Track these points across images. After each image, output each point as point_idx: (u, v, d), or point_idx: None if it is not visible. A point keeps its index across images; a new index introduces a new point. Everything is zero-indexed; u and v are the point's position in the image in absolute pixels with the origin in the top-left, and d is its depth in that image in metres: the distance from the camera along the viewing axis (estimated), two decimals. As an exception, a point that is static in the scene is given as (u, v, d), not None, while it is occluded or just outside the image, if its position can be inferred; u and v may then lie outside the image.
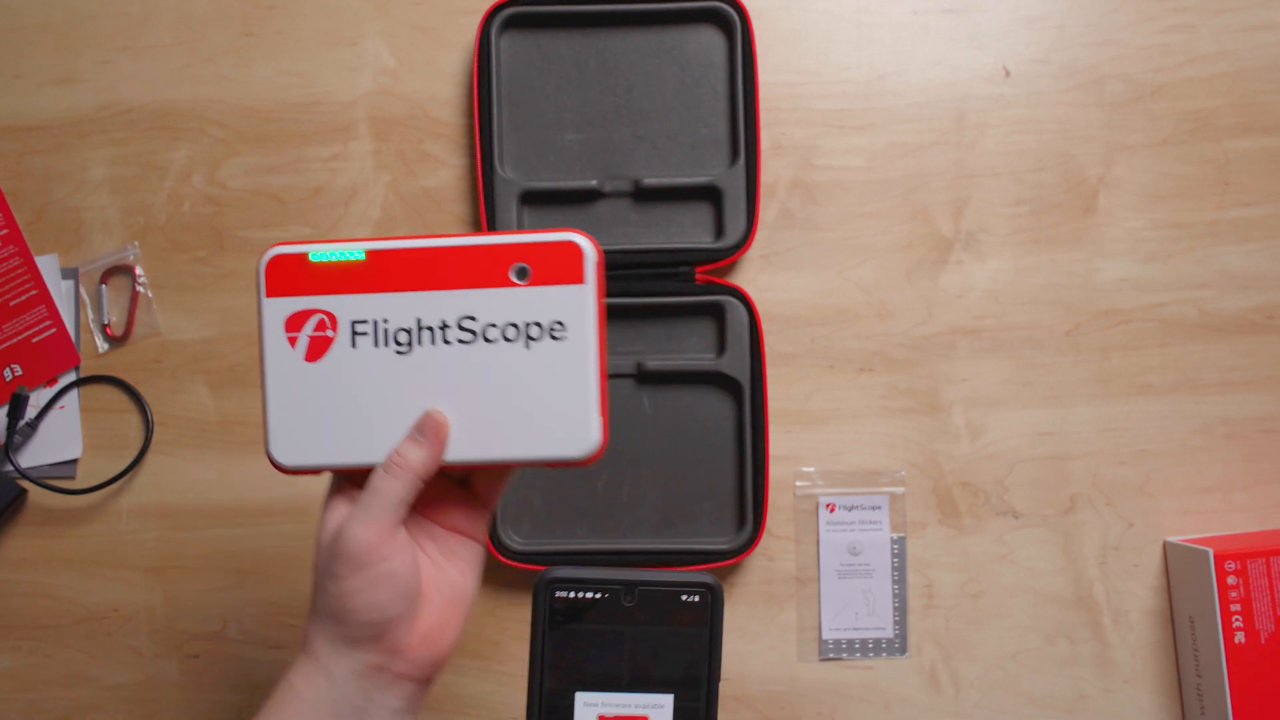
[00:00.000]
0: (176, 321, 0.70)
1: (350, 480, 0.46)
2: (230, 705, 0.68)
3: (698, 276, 0.68)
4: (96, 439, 0.70)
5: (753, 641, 0.68)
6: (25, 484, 0.69)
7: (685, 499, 0.67)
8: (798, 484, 0.68)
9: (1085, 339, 0.68)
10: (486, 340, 0.45)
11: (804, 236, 0.69)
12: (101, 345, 0.70)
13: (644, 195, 0.68)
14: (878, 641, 0.67)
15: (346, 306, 0.46)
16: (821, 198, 0.69)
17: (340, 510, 0.45)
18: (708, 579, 0.45)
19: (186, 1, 0.71)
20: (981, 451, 0.68)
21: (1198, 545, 0.64)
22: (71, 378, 0.70)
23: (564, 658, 0.45)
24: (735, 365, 0.66)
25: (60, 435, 0.69)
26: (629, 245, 0.68)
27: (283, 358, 0.46)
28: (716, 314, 0.67)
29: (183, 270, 0.70)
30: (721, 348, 0.67)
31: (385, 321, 0.46)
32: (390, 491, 0.43)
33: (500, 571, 0.68)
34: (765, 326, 0.68)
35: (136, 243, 0.70)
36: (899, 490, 0.68)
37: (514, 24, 0.68)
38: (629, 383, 0.68)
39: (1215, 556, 0.62)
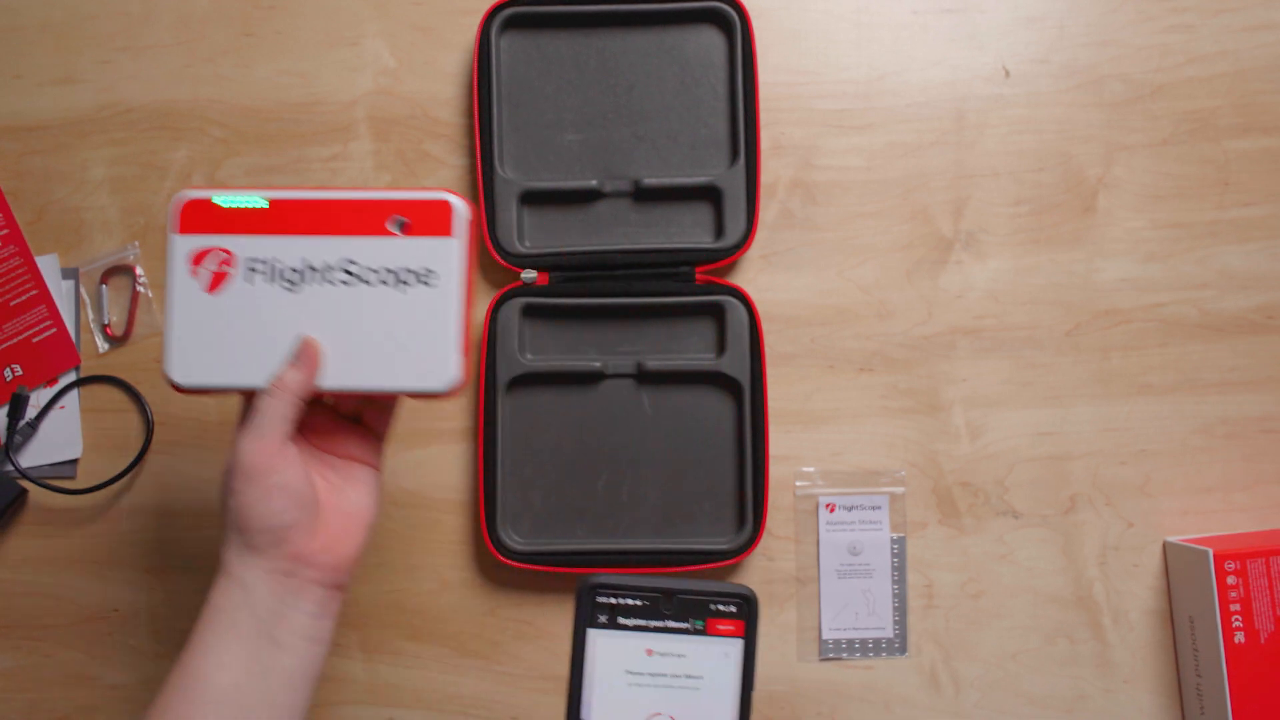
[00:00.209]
0: (177, 321, 0.70)
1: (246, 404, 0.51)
2: (230, 705, 0.68)
3: (698, 276, 0.68)
4: (97, 439, 0.70)
5: (753, 641, 0.68)
6: (26, 484, 0.69)
7: (685, 499, 0.67)
8: (798, 484, 0.68)
9: (1085, 339, 0.68)
10: (365, 282, 0.51)
11: (804, 236, 0.69)
12: (102, 345, 0.70)
13: (644, 195, 0.68)
14: (877, 641, 0.67)
15: (245, 246, 0.52)
16: (821, 198, 0.69)
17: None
18: (745, 590, 0.47)
19: (186, 2, 0.71)
20: (981, 451, 0.68)
21: (1197, 545, 0.64)
22: (72, 378, 0.70)
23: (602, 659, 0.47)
24: (735, 365, 0.67)
25: (60, 435, 0.69)
26: (629, 245, 0.68)
27: (185, 288, 0.52)
28: (716, 314, 0.67)
29: (183, 270, 0.70)
30: (721, 348, 0.67)
31: (278, 261, 0.51)
32: (273, 410, 0.49)
33: (500, 571, 0.68)
34: (765, 326, 0.68)
35: (137, 243, 0.70)
36: (899, 490, 0.68)
37: (514, 24, 0.68)
38: (629, 383, 0.68)
39: (1215, 556, 0.62)
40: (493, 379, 0.67)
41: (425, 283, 0.51)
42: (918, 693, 0.67)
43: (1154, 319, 0.68)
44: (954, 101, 0.70)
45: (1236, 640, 0.62)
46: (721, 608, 0.47)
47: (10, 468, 0.69)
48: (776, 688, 0.68)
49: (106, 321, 0.70)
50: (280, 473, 0.48)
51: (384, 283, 0.51)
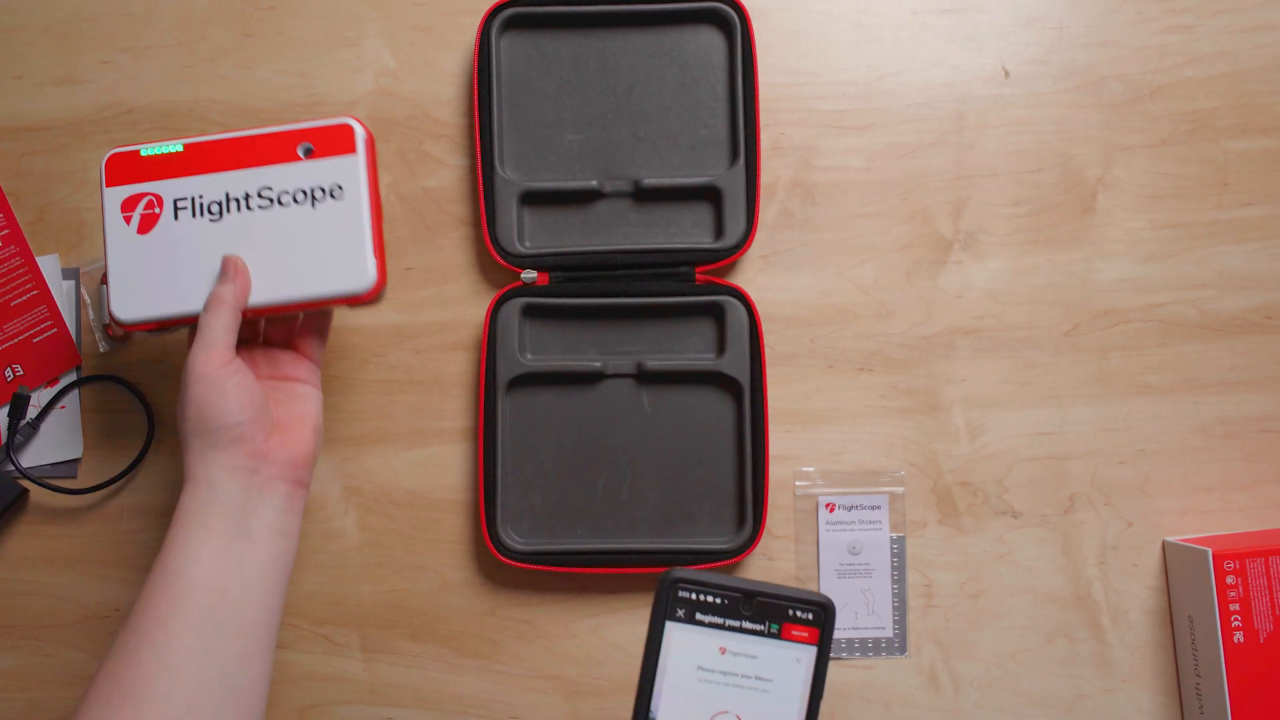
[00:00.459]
0: (177, 321, 0.70)
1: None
2: (231, 704, 0.69)
3: (698, 276, 0.68)
4: (97, 439, 0.70)
5: (752, 641, 0.68)
6: (27, 484, 0.69)
7: (685, 499, 0.67)
8: (797, 484, 0.68)
9: (1084, 339, 0.69)
10: (281, 204, 0.57)
11: (804, 237, 0.70)
12: (102, 345, 0.70)
13: (644, 195, 0.68)
14: (877, 641, 0.67)
15: (170, 188, 0.57)
16: (821, 198, 0.70)
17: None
18: (823, 599, 0.47)
19: (187, 2, 0.71)
20: (981, 451, 0.68)
21: (1196, 545, 0.64)
22: (73, 377, 0.70)
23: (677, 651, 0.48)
24: (735, 365, 0.67)
25: (61, 435, 0.70)
26: (629, 245, 0.68)
27: (120, 234, 0.57)
28: (716, 314, 0.68)
29: (183, 270, 0.70)
30: (721, 348, 0.67)
31: (200, 197, 0.57)
32: (214, 323, 0.54)
33: (500, 571, 0.68)
34: (765, 326, 0.68)
35: (137, 243, 0.70)
36: (898, 490, 0.68)
37: (514, 24, 0.69)
38: (629, 382, 0.68)
39: (1214, 556, 0.62)
40: (493, 379, 0.67)
41: (334, 197, 0.56)
42: (917, 692, 0.67)
43: (1153, 319, 0.69)
44: (953, 102, 0.70)
45: (1235, 640, 0.62)
46: (799, 614, 0.47)
47: (11, 467, 0.69)
48: (776, 687, 0.68)
49: (107, 321, 0.70)
50: (231, 376, 0.53)
51: (297, 202, 0.57)
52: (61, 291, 0.70)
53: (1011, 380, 0.69)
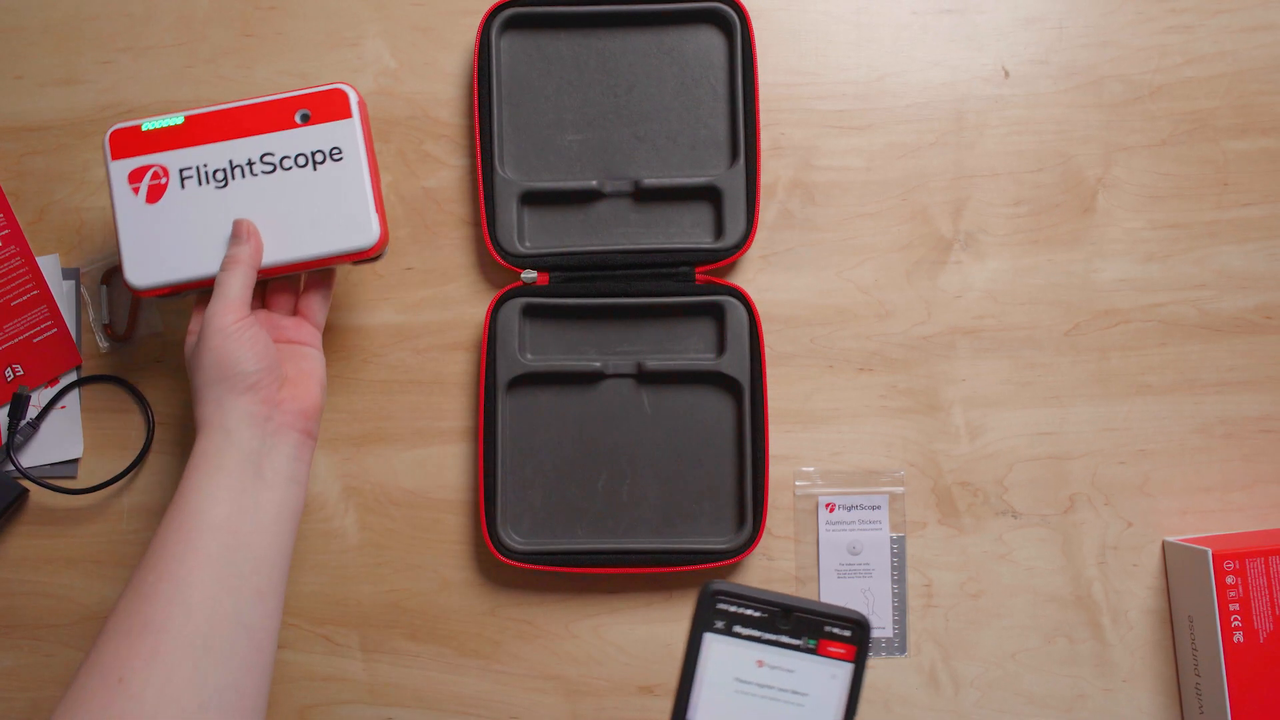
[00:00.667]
0: (177, 321, 0.70)
1: (200, 302, 0.60)
2: (231, 704, 0.68)
3: (698, 276, 0.68)
4: (98, 439, 0.70)
5: (752, 641, 0.68)
6: (27, 484, 0.69)
7: (685, 499, 0.67)
8: (797, 484, 0.68)
9: (1084, 339, 0.69)
10: (283, 169, 0.59)
11: (804, 237, 0.70)
12: (103, 345, 0.70)
13: (644, 195, 0.68)
14: (877, 641, 0.67)
15: (174, 159, 0.60)
16: (821, 198, 0.70)
17: (196, 318, 0.59)
18: (860, 617, 0.48)
19: (187, 2, 0.71)
20: (981, 451, 0.68)
21: (1196, 545, 0.64)
22: (73, 377, 0.70)
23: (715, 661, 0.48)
24: (735, 365, 0.67)
25: (61, 435, 0.70)
26: (629, 245, 0.68)
27: (129, 204, 0.60)
28: (716, 314, 0.68)
29: (184, 270, 0.70)
30: (721, 348, 0.67)
31: (205, 165, 0.60)
32: (232, 282, 0.57)
33: (500, 571, 0.68)
34: (765, 326, 0.68)
35: (137, 243, 0.71)
36: (898, 490, 0.68)
37: (514, 24, 0.69)
38: (629, 383, 0.68)
39: (1214, 556, 0.62)
40: (493, 379, 0.67)
41: (334, 159, 0.59)
42: (917, 692, 0.67)
43: (1153, 319, 0.69)
44: (953, 102, 0.70)
45: (1235, 640, 0.62)
46: (836, 630, 0.48)
47: (11, 467, 0.69)
48: (776, 687, 0.68)
49: (107, 321, 0.70)
50: (248, 329, 0.56)
51: (299, 166, 0.59)
52: (61, 291, 0.70)
53: (1011, 380, 0.69)
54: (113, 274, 0.70)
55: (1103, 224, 0.69)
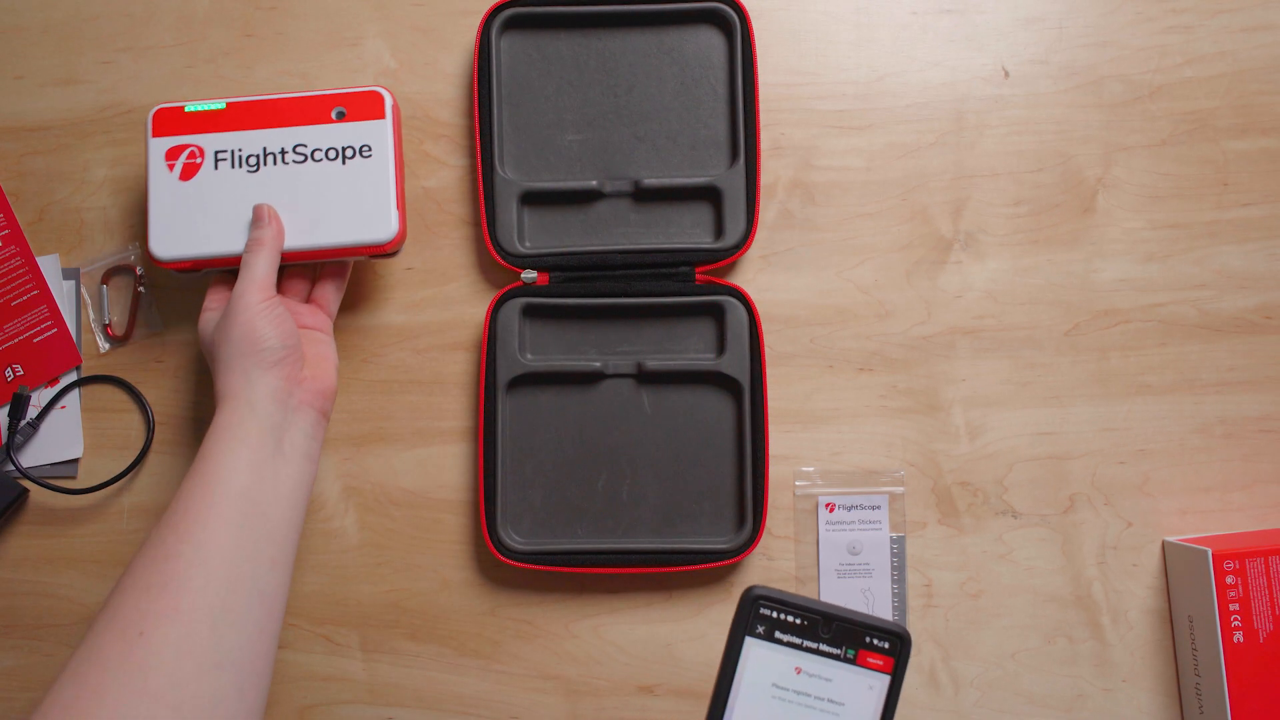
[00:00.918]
0: (178, 321, 0.70)
1: (218, 281, 0.63)
2: (231, 704, 0.68)
3: (698, 276, 0.68)
4: (98, 439, 0.70)
5: (752, 641, 0.68)
6: (27, 483, 0.69)
7: (685, 499, 0.67)
8: (797, 484, 0.68)
9: (1084, 339, 0.69)
10: (314, 160, 0.63)
11: (804, 237, 0.70)
12: (103, 345, 0.70)
13: (644, 195, 0.68)
14: (877, 641, 0.67)
15: (212, 141, 0.63)
16: (821, 198, 0.70)
17: (213, 293, 0.62)
18: (901, 630, 0.48)
19: (188, 3, 0.71)
20: (981, 451, 0.68)
21: (1196, 545, 0.64)
22: (73, 377, 0.70)
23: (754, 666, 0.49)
24: (735, 365, 0.67)
25: (61, 435, 0.70)
26: (629, 245, 0.68)
27: (162, 179, 0.63)
28: (716, 314, 0.68)
29: (184, 270, 0.71)
30: (721, 348, 0.67)
31: (240, 150, 0.63)
32: (258, 261, 0.60)
33: (500, 571, 0.68)
34: (765, 326, 0.68)
35: (137, 243, 0.71)
36: (898, 490, 0.68)
37: (514, 24, 0.69)
38: (629, 383, 0.68)
39: (1214, 556, 0.62)
40: (493, 379, 0.67)
41: (364, 155, 0.63)
42: (917, 692, 0.67)
43: (1153, 319, 0.69)
44: (953, 102, 0.70)
45: (1235, 640, 0.62)
46: (875, 641, 0.48)
47: (11, 467, 0.69)
48: (776, 687, 0.68)
49: (107, 321, 0.70)
50: (276, 307, 0.59)
51: (329, 159, 0.63)
52: (61, 291, 0.70)
53: (1011, 380, 0.69)
54: (113, 274, 0.70)
55: (1103, 224, 0.69)
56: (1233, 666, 0.62)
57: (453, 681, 0.68)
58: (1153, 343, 0.68)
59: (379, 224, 0.62)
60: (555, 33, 0.69)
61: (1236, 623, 0.62)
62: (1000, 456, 0.68)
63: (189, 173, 0.63)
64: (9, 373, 0.70)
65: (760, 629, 0.48)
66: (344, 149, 0.63)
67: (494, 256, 0.68)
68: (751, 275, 0.69)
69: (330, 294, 0.65)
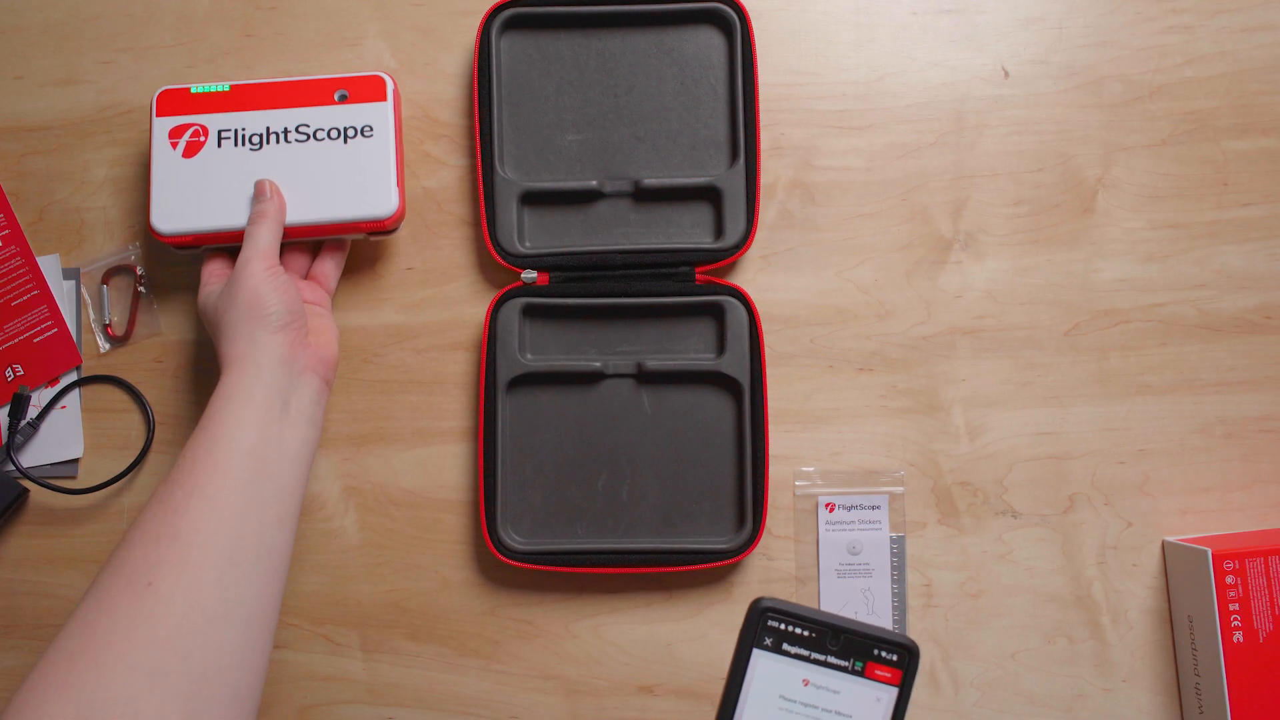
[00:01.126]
0: (178, 321, 0.70)
1: (213, 256, 0.65)
2: (231, 704, 0.68)
3: (698, 276, 0.68)
4: (98, 439, 0.70)
5: (752, 641, 0.68)
6: (27, 483, 0.69)
7: (685, 499, 0.67)
8: (797, 484, 0.68)
9: (1084, 339, 0.69)
10: (316, 140, 0.64)
11: (804, 237, 0.70)
12: (103, 345, 0.70)
13: (644, 195, 0.68)
14: (877, 641, 0.67)
15: (215, 121, 0.65)
16: (821, 198, 0.70)
17: (211, 267, 0.64)
18: (909, 642, 0.49)
19: (188, 3, 0.71)
20: (980, 451, 0.68)
21: (1196, 545, 0.64)
22: (73, 377, 0.70)
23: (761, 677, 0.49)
24: (735, 365, 0.67)
25: (62, 435, 0.70)
26: (629, 245, 0.68)
27: (166, 156, 0.64)
28: (716, 314, 0.68)
29: (184, 270, 0.70)
30: (721, 348, 0.67)
31: (243, 129, 0.65)
32: (262, 233, 0.62)
33: (500, 571, 0.68)
34: (765, 326, 0.68)
35: (138, 243, 0.71)
36: (898, 490, 0.68)
37: (514, 24, 0.69)
38: (629, 382, 0.68)
39: (1214, 556, 0.62)
40: (493, 379, 0.67)
41: (365, 135, 0.64)
42: (917, 692, 0.67)
43: (1153, 319, 0.69)
44: (953, 102, 0.70)
45: (1235, 640, 0.62)
46: (884, 654, 0.48)
47: (11, 467, 0.69)
48: (776, 687, 0.68)
49: (107, 321, 0.70)
50: (281, 275, 0.60)
51: (331, 138, 0.64)
52: (61, 291, 0.70)
53: (1011, 380, 0.69)
54: (113, 274, 0.70)
55: (1102, 224, 0.69)
56: (1233, 666, 0.62)
57: (453, 681, 0.68)
58: (1153, 343, 0.68)
59: (380, 200, 0.64)
60: (555, 33, 0.69)
61: (1236, 623, 0.62)
62: (1000, 456, 0.68)
63: (192, 150, 0.64)
64: (9, 373, 0.70)
65: (768, 641, 0.48)
66: (346, 129, 0.64)
67: (494, 256, 0.68)
68: (751, 275, 0.69)
69: (330, 270, 0.66)
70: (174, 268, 0.71)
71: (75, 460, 0.70)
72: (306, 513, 0.69)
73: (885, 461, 0.68)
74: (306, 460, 0.58)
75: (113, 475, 0.69)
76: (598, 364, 0.67)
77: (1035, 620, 0.67)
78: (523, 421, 0.68)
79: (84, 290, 0.71)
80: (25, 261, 0.70)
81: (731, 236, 0.67)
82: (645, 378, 0.68)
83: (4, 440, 0.69)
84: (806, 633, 0.48)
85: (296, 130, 0.64)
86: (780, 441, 0.68)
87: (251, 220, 0.62)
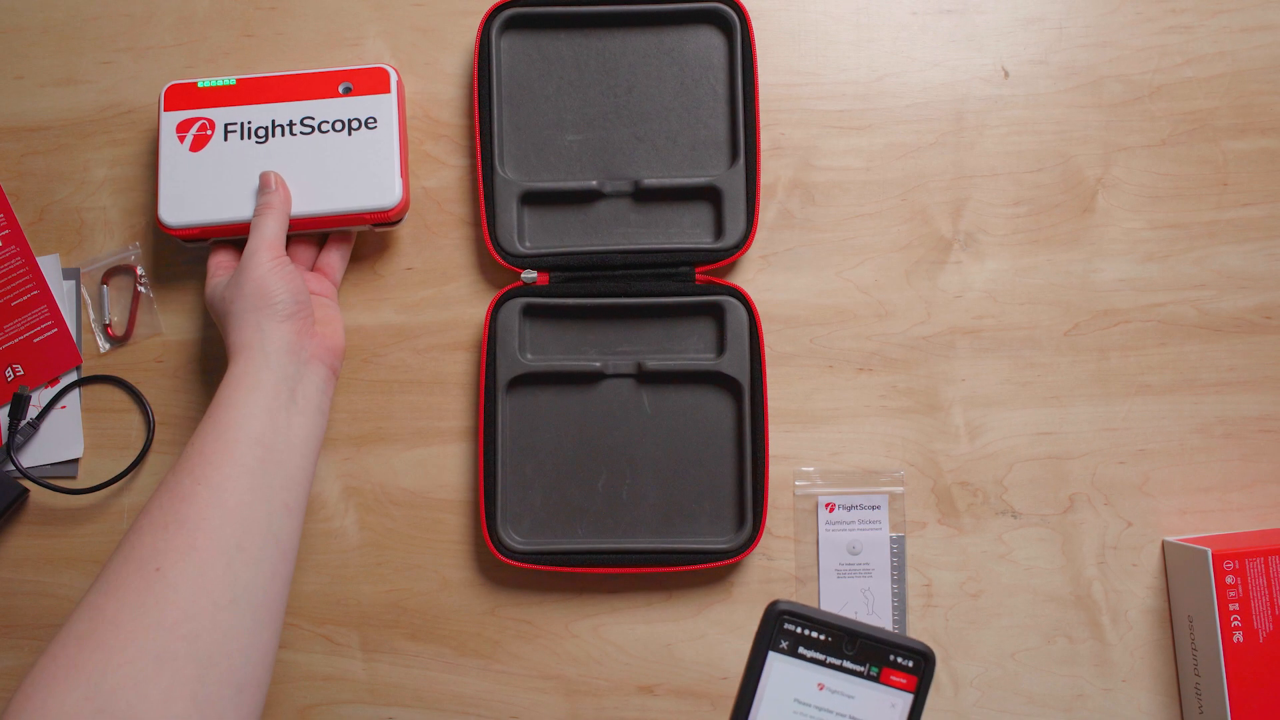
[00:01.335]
0: (178, 321, 0.70)
1: (219, 248, 0.65)
2: (231, 704, 0.68)
3: (698, 276, 0.68)
4: (98, 439, 0.70)
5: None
6: (27, 483, 0.69)
7: (685, 499, 0.67)
8: (797, 484, 0.68)
9: (1084, 339, 0.69)
10: (321, 132, 0.65)
11: (803, 237, 0.70)
12: (103, 345, 0.70)
13: (644, 195, 0.68)
14: (877, 641, 0.67)
15: (222, 114, 0.66)
16: (821, 198, 0.70)
17: (218, 258, 0.65)
18: (925, 649, 0.48)
19: (188, 3, 0.71)
20: (980, 451, 0.68)
21: (1196, 545, 0.64)
22: (73, 377, 0.70)
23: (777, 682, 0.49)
24: (735, 365, 0.67)
25: (62, 435, 0.70)
26: (629, 245, 0.68)
27: (173, 150, 0.65)
28: (716, 314, 0.68)
29: (184, 270, 0.71)
30: (721, 348, 0.67)
31: (249, 123, 0.66)
32: (268, 223, 0.62)
33: (500, 571, 0.68)
34: (765, 326, 0.68)
35: (138, 243, 0.71)
36: (898, 490, 0.68)
37: (514, 24, 0.69)
38: (629, 382, 0.68)
39: (1214, 556, 0.62)
40: (493, 379, 0.67)
41: (369, 127, 0.65)
42: (917, 692, 0.67)
43: (1152, 319, 0.69)
44: (953, 102, 0.70)
45: (1235, 640, 0.62)
46: (899, 660, 0.48)
47: (11, 467, 0.69)
48: (776, 687, 0.68)
49: (108, 321, 0.70)
50: (287, 265, 0.61)
51: (336, 130, 0.65)
52: (61, 291, 0.70)
53: (1011, 380, 0.69)
54: (113, 274, 0.70)
55: (1102, 224, 0.69)
56: (1233, 666, 0.62)
57: (453, 681, 0.68)
58: (1153, 343, 0.69)
59: (383, 191, 0.64)
60: (555, 33, 0.69)
61: (1236, 623, 0.62)
62: (1000, 456, 0.68)
63: (199, 144, 0.65)
64: (9, 373, 0.70)
65: (784, 644, 0.48)
66: (350, 121, 0.65)
67: (494, 256, 0.68)
68: (751, 275, 0.70)
69: (335, 262, 0.67)
70: (174, 267, 0.71)
71: (75, 460, 0.70)
72: (306, 513, 0.68)
73: (885, 461, 0.68)
74: (314, 449, 0.58)
75: (113, 475, 0.69)
76: (598, 364, 0.67)
77: (1035, 620, 0.67)
78: (523, 421, 0.68)
79: (84, 290, 0.71)
80: (25, 261, 0.70)
81: (731, 236, 0.67)
82: (645, 378, 0.68)
83: (4, 440, 0.69)
84: (823, 637, 0.48)
85: (301, 123, 0.65)
86: (780, 441, 0.68)
87: (257, 211, 0.63)
